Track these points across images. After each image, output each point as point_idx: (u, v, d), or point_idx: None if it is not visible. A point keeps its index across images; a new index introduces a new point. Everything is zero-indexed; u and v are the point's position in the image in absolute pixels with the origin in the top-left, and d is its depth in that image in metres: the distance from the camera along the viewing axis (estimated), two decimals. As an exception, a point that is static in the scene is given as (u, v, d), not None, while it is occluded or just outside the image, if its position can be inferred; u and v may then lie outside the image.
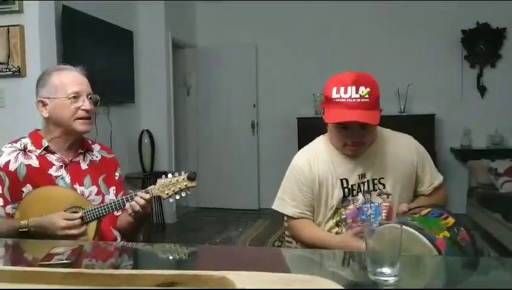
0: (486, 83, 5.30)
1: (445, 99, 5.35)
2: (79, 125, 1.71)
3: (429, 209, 1.49)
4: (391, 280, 1.03)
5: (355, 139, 1.67)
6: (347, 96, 1.58)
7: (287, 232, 1.99)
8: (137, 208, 1.62)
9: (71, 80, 1.71)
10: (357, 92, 1.57)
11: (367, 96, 1.57)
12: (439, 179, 1.82)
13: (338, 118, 1.62)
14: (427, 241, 1.27)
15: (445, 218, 1.40)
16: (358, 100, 1.57)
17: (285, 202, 1.81)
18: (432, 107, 5.29)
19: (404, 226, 1.26)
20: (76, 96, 1.69)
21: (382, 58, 5.42)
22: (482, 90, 5.31)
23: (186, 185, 1.66)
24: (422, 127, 5.04)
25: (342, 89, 1.59)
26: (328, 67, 5.35)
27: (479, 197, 4.54)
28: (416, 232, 1.29)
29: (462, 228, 1.37)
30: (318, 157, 1.77)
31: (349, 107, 1.58)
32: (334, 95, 1.60)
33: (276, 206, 1.85)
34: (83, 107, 1.70)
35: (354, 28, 5.55)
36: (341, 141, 1.71)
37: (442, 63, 5.35)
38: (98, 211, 1.65)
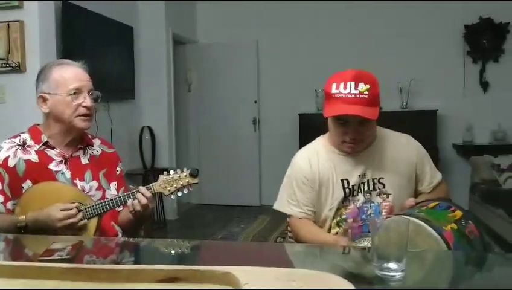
0: (489, 78, 5.27)
1: (448, 94, 5.32)
2: (80, 123, 1.69)
3: (437, 202, 1.48)
4: (398, 275, 1.02)
5: (353, 136, 1.67)
6: (346, 91, 1.59)
7: (289, 228, 1.98)
8: (138, 207, 1.60)
9: (72, 76, 1.68)
10: (356, 87, 1.58)
11: (366, 92, 1.59)
12: (438, 177, 1.82)
13: (335, 112, 1.63)
14: (434, 233, 1.25)
15: (453, 211, 1.39)
16: (357, 96, 1.58)
17: (286, 202, 1.80)
18: (434, 102, 5.26)
19: (410, 218, 1.24)
20: (77, 93, 1.67)
21: (384, 53, 5.39)
22: (484, 85, 5.28)
23: (188, 181, 1.65)
24: (424, 123, 5.03)
25: (342, 84, 1.60)
26: (330, 63, 5.33)
27: (481, 193, 4.52)
28: (423, 223, 1.27)
29: (470, 221, 1.35)
30: (318, 157, 1.77)
31: (347, 102, 1.59)
32: (334, 90, 1.61)
33: (278, 206, 1.84)
34: (84, 104, 1.67)
35: (356, 23, 5.51)
36: (339, 138, 1.71)
37: (445, 58, 5.31)
38: (99, 207, 1.63)
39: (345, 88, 1.59)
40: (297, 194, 1.76)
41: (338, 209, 1.74)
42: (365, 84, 1.59)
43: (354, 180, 1.73)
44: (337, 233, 1.72)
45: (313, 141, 1.87)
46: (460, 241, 1.27)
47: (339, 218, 1.73)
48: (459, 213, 1.37)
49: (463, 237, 1.29)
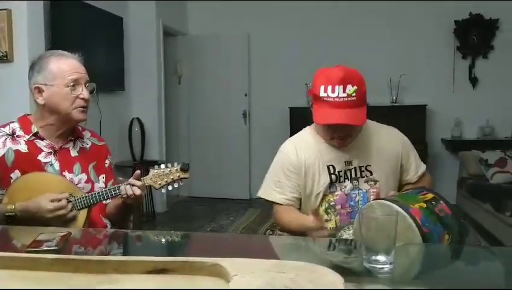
0: (478, 74, 5.31)
1: (437, 90, 5.36)
2: (78, 114, 1.68)
3: (410, 189, 1.54)
4: (386, 267, 1.02)
5: (342, 134, 1.72)
6: (334, 95, 1.62)
7: (274, 217, 2.00)
8: (130, 191, 1.60)
9: (70, 68, 1.66)
10: (344, 90, 1.62)
11: (354, 94, 1.62)
12: (422, 167, 1.88)
13: (325, 120, 1.67)
14: (400, 209, 1.28)
15: (424, 194, 1.43)
16: (346, 99, 1.62)
17: (271, 189, 1.83)
18: (424, 97, 5.29)
19: (377, 200, 1.29)
20: (75, 85, 1.65)
21: (375, 48, 5.40)
22: (473, 81, 5.32)
23: (179, 176, 1.66)
24: (413, 118, 5.05)
25: (330, 88, 1.63)
26: (321, 57, 5.33)
27: (469, 188, 4.56)
28: (390, 203, 1.32)
29: (441, 202, 1.40)
30: (305, 145, 1.81)
31: (336, 106, 1.62)
32: (322, 94, 1.64)
33: (262, 193, 1.87)
34: (81, 96, 1.66)
35: (347, 18, 5.51)
36: (328, 136, 1.76)
37: (435, 54, 5.34)
38: (89, 199, 1.63)
39: (333, 92, 1.62)
40: (282, 182, 1.80)
41: (325, 195, 1.77)
42: (352, 85, 1.62)
43: (340, 166, 1.77)
44: (326, 221, 1.74)
45: (300, 131, 1.91)
46: (429, 218, 1.31)
47: (326, 205, 1.77)
48: (429, 195, 1.42)
49: (432, 214, 1.33)
